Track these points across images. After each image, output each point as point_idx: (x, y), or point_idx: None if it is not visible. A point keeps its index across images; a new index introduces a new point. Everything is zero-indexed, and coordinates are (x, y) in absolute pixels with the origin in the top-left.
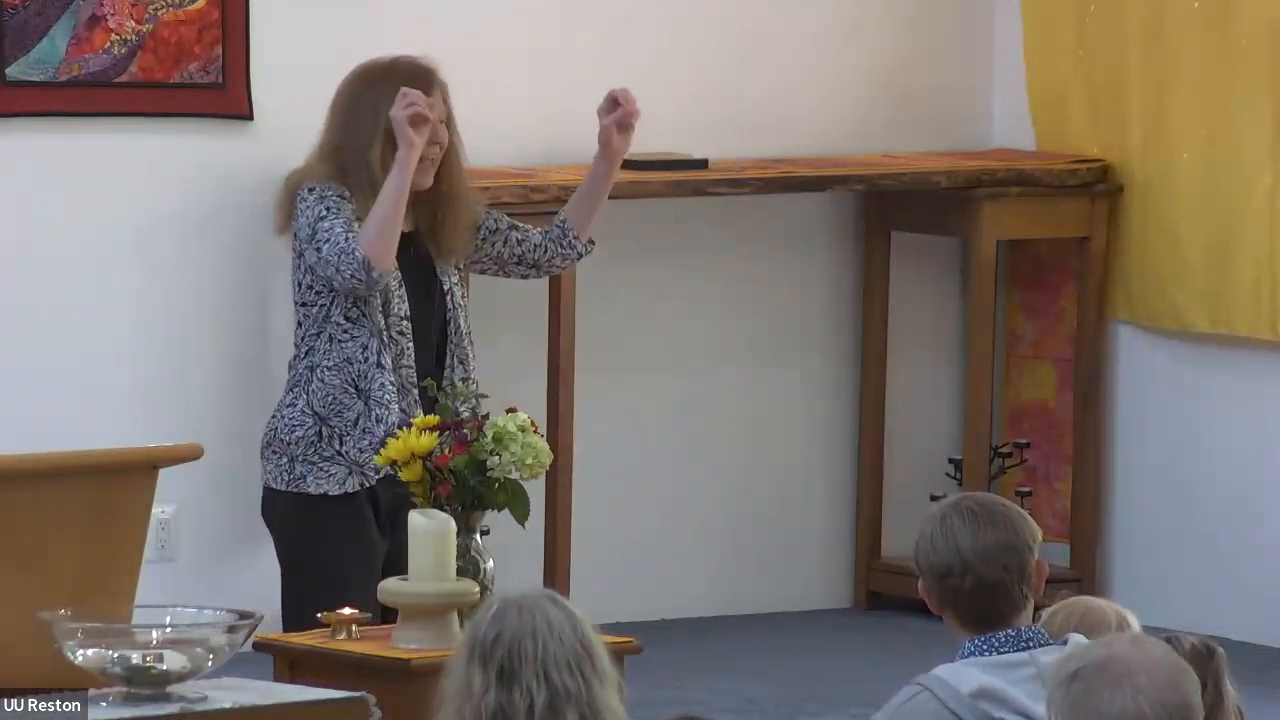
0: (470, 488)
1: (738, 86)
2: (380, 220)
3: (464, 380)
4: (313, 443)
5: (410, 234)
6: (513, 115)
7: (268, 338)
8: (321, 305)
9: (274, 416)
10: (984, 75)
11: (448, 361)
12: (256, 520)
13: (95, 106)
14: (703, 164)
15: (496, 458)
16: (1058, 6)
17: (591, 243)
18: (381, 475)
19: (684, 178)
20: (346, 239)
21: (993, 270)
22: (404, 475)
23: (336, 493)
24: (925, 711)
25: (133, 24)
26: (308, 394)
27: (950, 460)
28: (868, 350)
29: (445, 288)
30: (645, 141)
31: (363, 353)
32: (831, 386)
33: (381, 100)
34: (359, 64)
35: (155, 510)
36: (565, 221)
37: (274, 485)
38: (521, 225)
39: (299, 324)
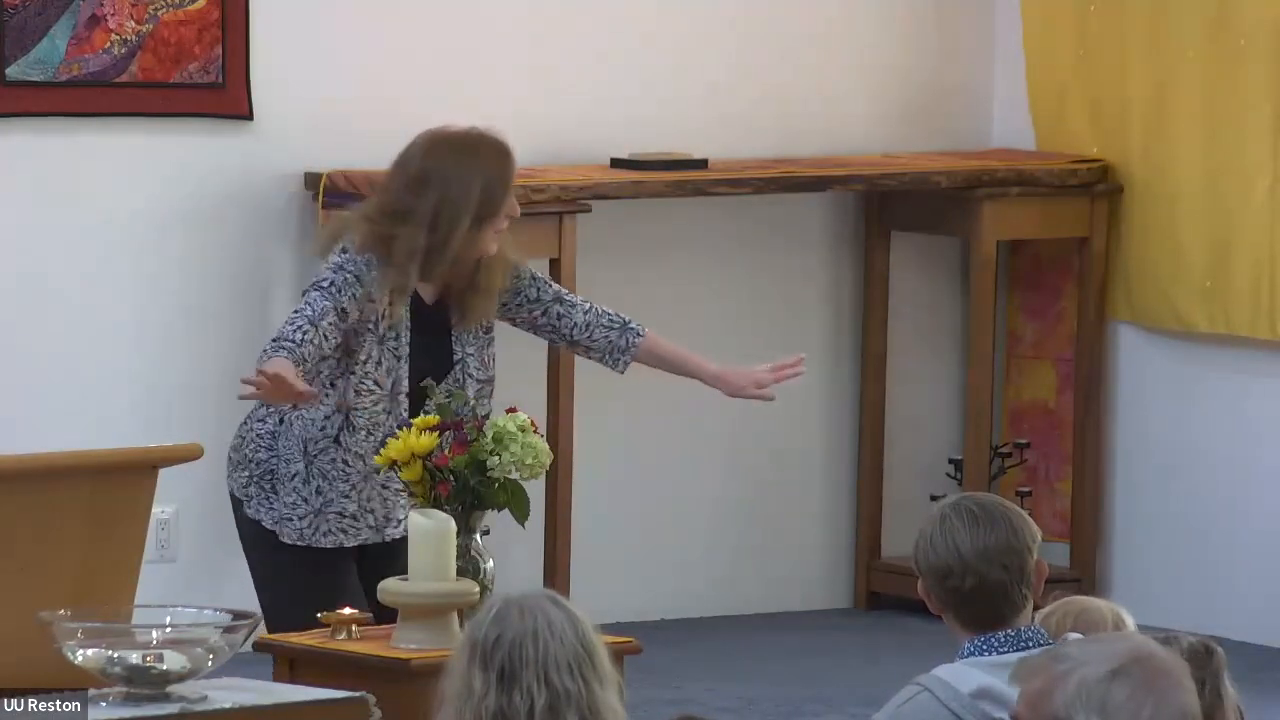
0: (470, 488)
1: (738, 86)
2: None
3: None
4: (268, 470)
5: (425, 303)
6: (512, 116)
7: (268, 338)
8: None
9: (245, 424)
10: (984, 75)
11: None
12: None
13: (95, 106)
14: (703, 164)
15: (496, 458)
16: (1058, 6)
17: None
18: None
19: (684, 178)
20: (295, 336)
21: (993, 270)
22: (404, 475)
23: (269, 527)
24: (925, 711)
25: (133, 24)
26: (281, 420)
27: (950, 460)
28: (868, 350)
29: (457, 357)
30: (645, 141)
31: (323, 423)
32: (831, 386)
33: (456, 176)
34: (434, 130)
35: (155, 510)
36: (636, 347)
37: (235, 494)
38: (567, 299)
39: None
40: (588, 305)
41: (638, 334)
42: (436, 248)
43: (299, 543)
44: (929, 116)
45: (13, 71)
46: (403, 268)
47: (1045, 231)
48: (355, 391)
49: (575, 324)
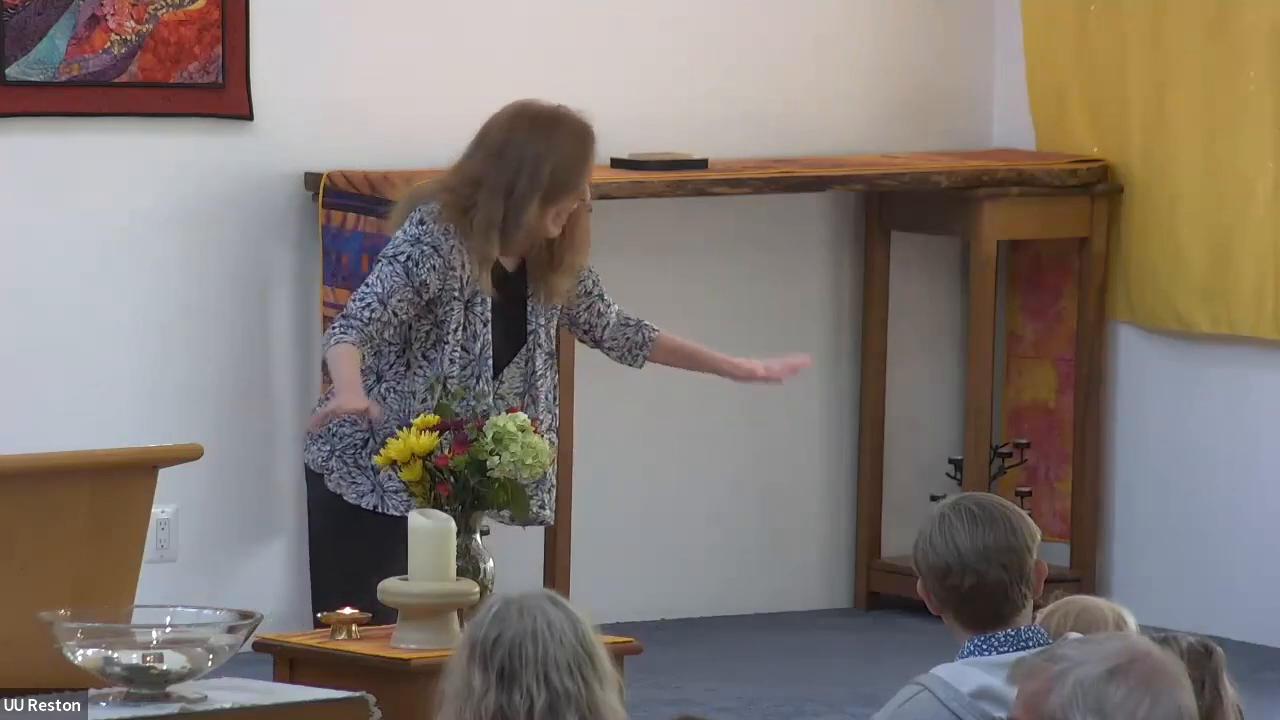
0: (470, 488)
1: (738, 86)
2: (333, 379)
3: (534, 420)
4: (355, 446)
5: (506, 272)
6: None
7: (268, 338)
8: (411, 325)
9: (325, 398)
10: (984, 75)
11: (520, 402)
12: (256, 520)
13: (95, 106)
14: (703, 164)
15: (496, 458)
16: (1058, 6)
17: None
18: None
19: (684, 178)
20: (364, 315)
21: (993, 270)
22: (404, 475)
23: (353, 500)
24: (925, 711)
25: (133, 24)
26: (368, 393)
27: (950, 460)
28: (867, 350)
29: (530, 328)
30: (645, 141)
31: (424, 395)
32: (831, 387)
33: (531, 152)
34: (520, 103)
35: (155, 510)
36: (652, 344)
37: (310, 467)
38: (607, 298)
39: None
40: (616, 306)
41: (652, 330)
42: (511, 220)
43: (401, 513)
44: (929, 116)
45: (13, 71)
46: (484, 236)
47: (1045, 231)
48: (449, 360)
49: (607, 324)
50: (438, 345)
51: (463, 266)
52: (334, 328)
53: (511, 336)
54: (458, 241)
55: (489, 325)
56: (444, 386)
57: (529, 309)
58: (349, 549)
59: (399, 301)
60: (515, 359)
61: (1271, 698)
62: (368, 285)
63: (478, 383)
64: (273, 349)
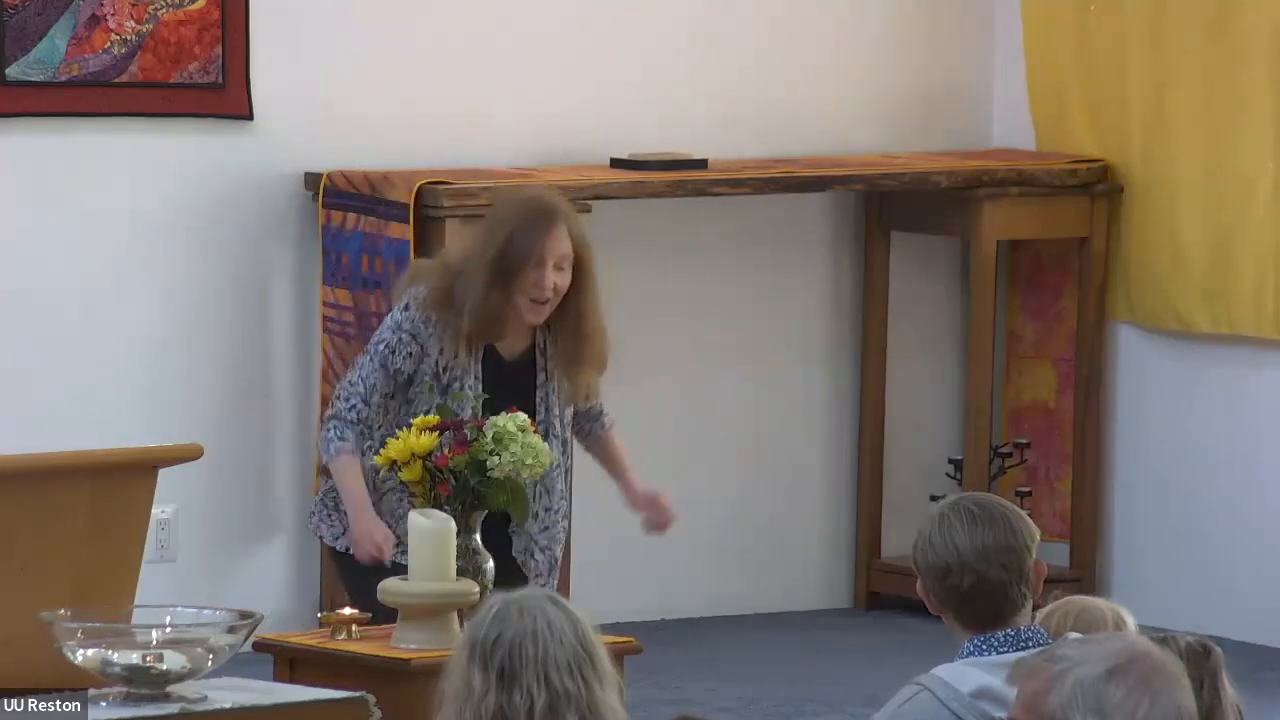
0: (470, 488)
1: (738, 86)
2: (340, 492)
3: (546, 510)
4: (333, 490)
5: (503, 358)
6: (513, 115)
7: (268, 338)
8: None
9: (325, 500)
10: (984, 75)
11: (533, 493)
12: (256, 520)
13: (95, 106)
14: (703, 164)
15: (496, 458)
16: (1058, 6)
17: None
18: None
19: (684, 178)
20: (350, 416)
21: (993, 270)
22: (404, 475)
23: (329, 543)
24: (925, 711)
25: (133, 24)
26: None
27: (950, 460)
28: (868, 350)
29: (540, 418)
30: (645, 141)
31: (385, 470)
32: (831, 386)
33: (497, 235)
34: (506, 190)
35: (155, 510)
36: (597, 435)
37: (322, 540)
38: (597, 408)
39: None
40: (598, 408)
41: (603, 426)
42: (473, 298)
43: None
44: (929, 116)
45: (13, 71)
46: (460, 314)
47: (1045, 231)
48: None
49: (575, 414)
50: (405, 425)
51: (440, 352)
52: (327, 431)
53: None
54: (436, 330)
55: (476, 414)
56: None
57: (539, 398)
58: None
59: (380, 397)
60: None
61: (1271, 698)
62: (351, 382)
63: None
64: (273, 349)
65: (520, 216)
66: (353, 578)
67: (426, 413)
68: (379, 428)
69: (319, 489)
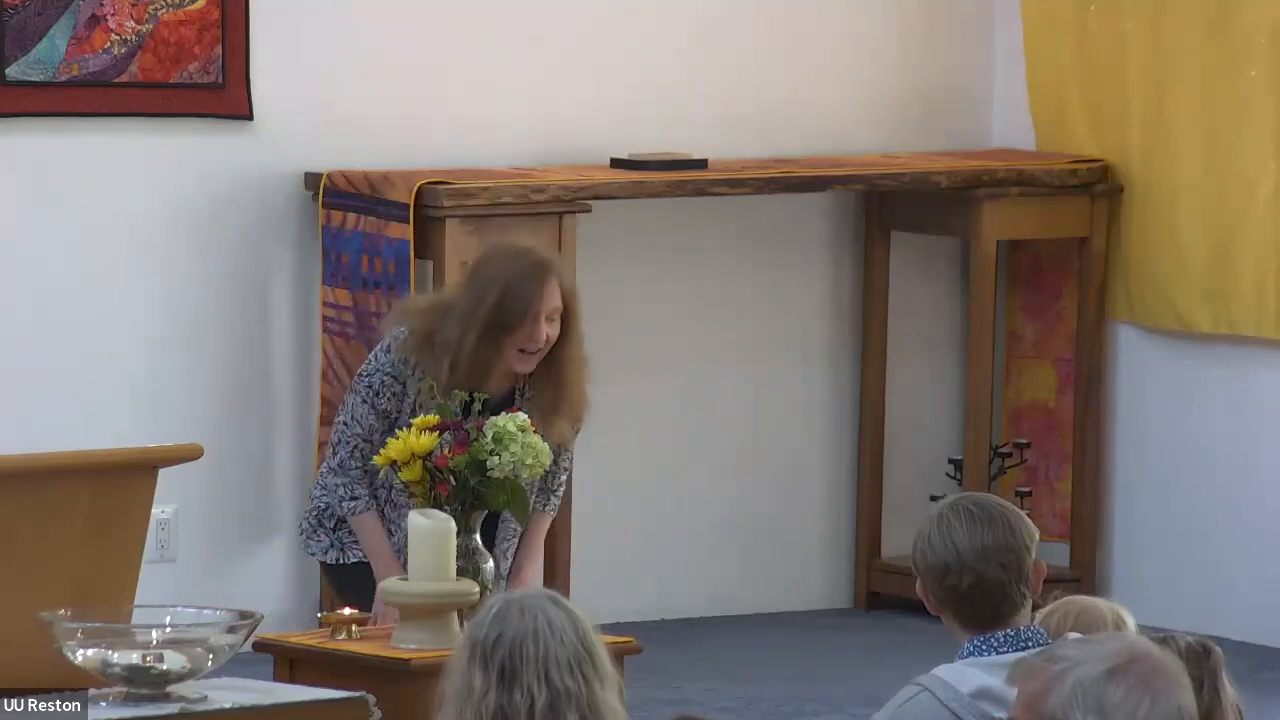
0: (470, 488)
1: (738, 86)
2: (366, 553)
3: (516, 531)
4: (319, 509)
5: (480, 399)
6: (513, 115)
7: (268, 337)
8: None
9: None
10: (984, 75)
11: (498, 534)
12: (256, 520)
13: (95, 106)
14: (703, 164)
15: (496, 458)
16: (1058, 6)
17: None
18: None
19: (684, 178)
20: (356, 466)
21: (993, 270)
22: (404, 475)
23: (319, 557)
24: (925, 711)
25: (133, 24)
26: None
27: (950, 460)
28: (868, 350)
29: None
30: (645, 141)
31: (385, 478)
32: (831, 386)
33: (487, 282)
34: (505, 240)
35: (155, 510)
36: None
37: (315, 556)
38: (560, 476)
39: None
40: (557, 480)
41: (543, 505)
42: (461, 348)
43: (364, 559)
44: (929, 116)
45: (13, 71)
46: (439, 362)
47: (1045, 231)
48: (388, 486)
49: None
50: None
51: (418, 393)
52: (338, 488)
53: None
54: (413, 372)
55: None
56: (389, 493)
57: None
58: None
59: (379, 435)
60: None
61: (1271, 698)
62: (346, 424)
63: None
64: (273, 349)
65: (515, 271)
66: (346, 589)
67: None
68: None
69: (307, 504)
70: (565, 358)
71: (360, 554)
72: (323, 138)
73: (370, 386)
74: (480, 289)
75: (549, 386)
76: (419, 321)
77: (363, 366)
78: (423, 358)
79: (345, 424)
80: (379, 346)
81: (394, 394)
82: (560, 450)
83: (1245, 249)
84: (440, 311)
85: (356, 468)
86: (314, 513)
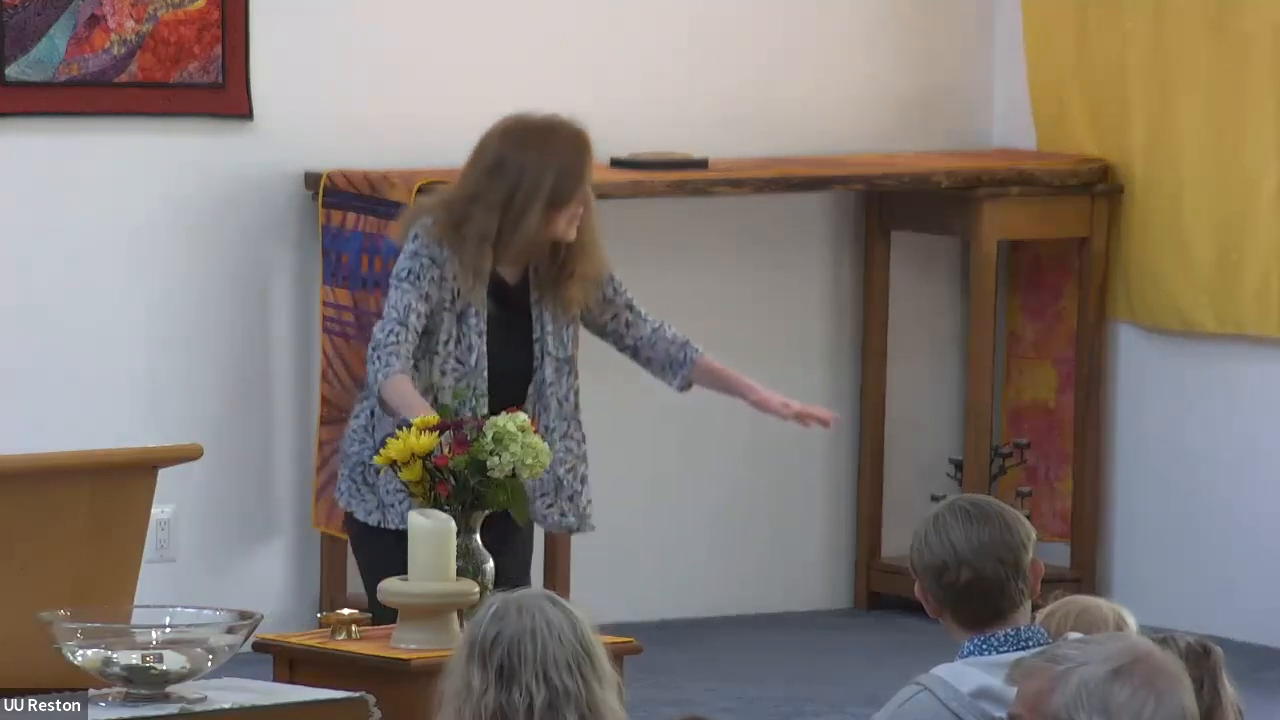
0: (470, 488)
1: (738, 86)
2: (401, 411)
3: (546, 429)
4: (363, 464)
5: (506, 283)
6: None
7: (268, 338)
8: None
9: (348, 425)
10: (984, 75)
11: (531, 411)
12: (256, 520)
13: (95, 106)
14: (703, 164)
15: (496, 458)
16: (1058, 6)
17: (687, 388)
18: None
19: (684, 178)
20: (392, 341)
21: (993, 270)
22: (404, 475)
23: (361, 518)
24: (925, 711)
25: (132, 24)
26: (372, 411)
27: (950, 460)
28: (868, 350)
29: (536, 335)
30: (645, 141)
31: (440, 379)
32: (831, 386)
33: (530, 163)
34: (513, 117)
35: (155, 510)
36: (692, 364)
37: (341, 505)
38: (637, 308)
39: None
40: (657, 322)
41: (696, 350)
42: (508, 230)
43: (402, 526)
44: (929, 116)
45: (13, 71)
46: (476, 249)
47: (1045, 231)
48: (440, 371)
49: (641, 335)
50: (427, 356)
51: (455, 278)
52: (374, 363)
53: (518, 345)
54: (450, 254)
55: (483, 337)
56: (435, 398)
57: (534, 317)
58: (360, 564)
59: (416, 317)
60: (521, 369)
61: (1271, 698)
62: (386, 313)
63: (471, 394)
64: (273, 349)
65: (567, 148)
66: (374, 556)
67: (445, 341)
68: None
69: (341, 466)
70: (587, 224)
71: (400, 521)
72: (323, 138)
73: (411, 271)
74: (532, 171)
75: (574, 255)
76: (443, 213)
77: (395, 268)
78: (453, 242)
79: (383, 316)
80: (406, 242)
81: (433, 278)
82: (602, 299)
83: (1249, 248)
84: (464, 200)
85: (391, 344)
86: (356, 469)
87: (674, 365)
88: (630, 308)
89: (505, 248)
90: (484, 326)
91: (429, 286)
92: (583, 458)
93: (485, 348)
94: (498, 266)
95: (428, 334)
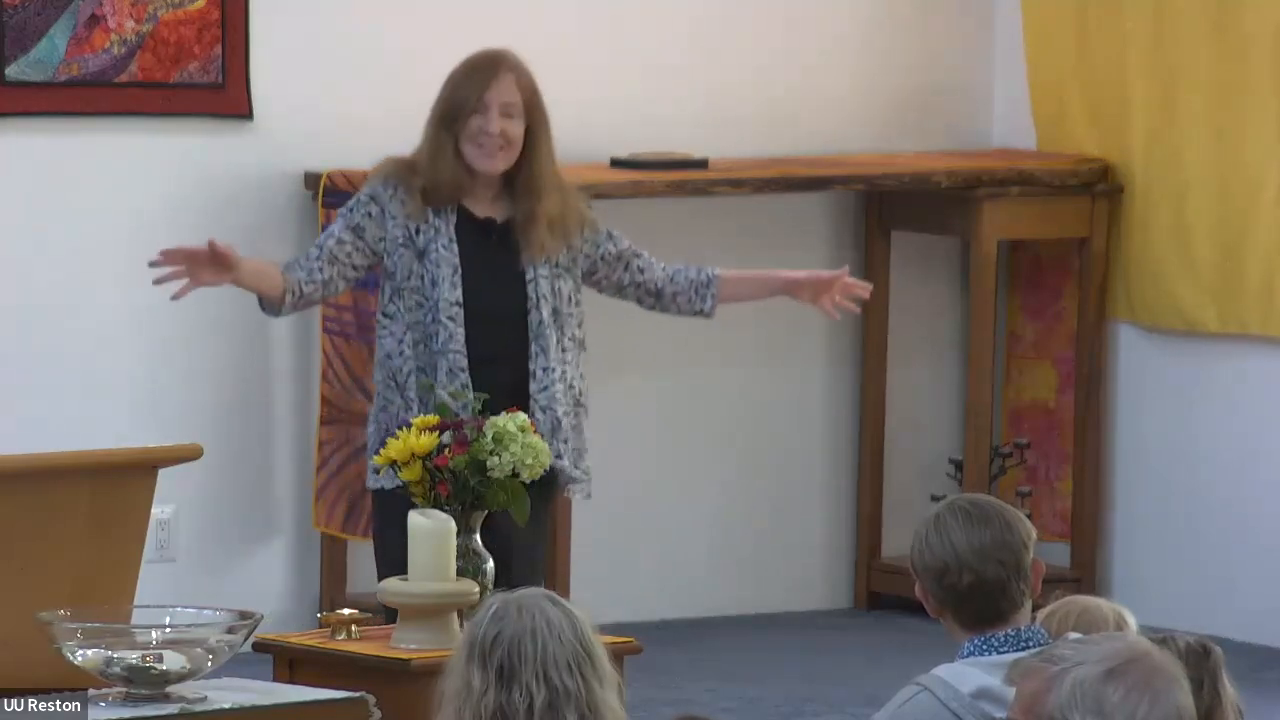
0: (470, 488)
1: (738, 86)
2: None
3: (544, 370)
4: (373, 438)
5: (494, 222)
6: None
7: (267, 338)
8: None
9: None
10: (984, 75)
11: (530, 351)
12: (256, 520)
13: (95, 106)
14: (703, 164)
15: (496, 458)
16: (1058, 6)
17: (713, 309)
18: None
19: (684, 178)
20: (303, 257)
21: (993, 270)
22: (404, 475)
23: (374, 485)
24: (925, 711)
25: (132, 24)
26: (380, 392)
27: (950, 461)
28: (868, 350)
29: (529, 277)
30: (645, 141)
31: (397, 345)
32: (831, 387)
33: (443, 90)
34: None
35: (155, 510)
36: (717, 279)
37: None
38: (642, 254)
39: None
40: (662, 264)
41: (713, 269)
42: (426, 162)
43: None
44: (929, 116)
45: (12, 71)
46: (413, 180)
47: (1045, 231)
48: (407, 309)
49: (656, 277)
50: (395, 298)
51: (407, 215)
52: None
53: (503, 286)
54: (397, 193)
55: (456, 271)
56: (423, 334)
57: (524, 260)
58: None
59: (336, 243)
60: (506, 310)
61: (1271, 698)
62: (320, 239)
63: (451, 325)
64: (272, 349)
65: (464, 66)
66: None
67: (408, 278)
68: (337, 289)
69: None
70: (535, 166)
71: None
72: (323, 138)
73: (348, 206)
74: (439, 99)
75: (523, 196)
76: (397, 157)
77: None
78: (403, 178)
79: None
80: None
81: (369, 214)
82: (603, 256)
83: (1251, 247)
84: (420, 145)
85: (302, 258)
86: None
87: (699, 288)
88: (637, 254)
89: (439, 181)
90: (455, 261)
91: (361, 219)
92: (585, 408)
93: (458, 280)
94: (465, 202)
95: (390, 275)
